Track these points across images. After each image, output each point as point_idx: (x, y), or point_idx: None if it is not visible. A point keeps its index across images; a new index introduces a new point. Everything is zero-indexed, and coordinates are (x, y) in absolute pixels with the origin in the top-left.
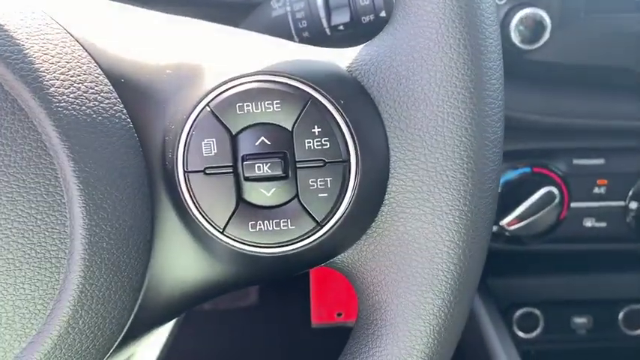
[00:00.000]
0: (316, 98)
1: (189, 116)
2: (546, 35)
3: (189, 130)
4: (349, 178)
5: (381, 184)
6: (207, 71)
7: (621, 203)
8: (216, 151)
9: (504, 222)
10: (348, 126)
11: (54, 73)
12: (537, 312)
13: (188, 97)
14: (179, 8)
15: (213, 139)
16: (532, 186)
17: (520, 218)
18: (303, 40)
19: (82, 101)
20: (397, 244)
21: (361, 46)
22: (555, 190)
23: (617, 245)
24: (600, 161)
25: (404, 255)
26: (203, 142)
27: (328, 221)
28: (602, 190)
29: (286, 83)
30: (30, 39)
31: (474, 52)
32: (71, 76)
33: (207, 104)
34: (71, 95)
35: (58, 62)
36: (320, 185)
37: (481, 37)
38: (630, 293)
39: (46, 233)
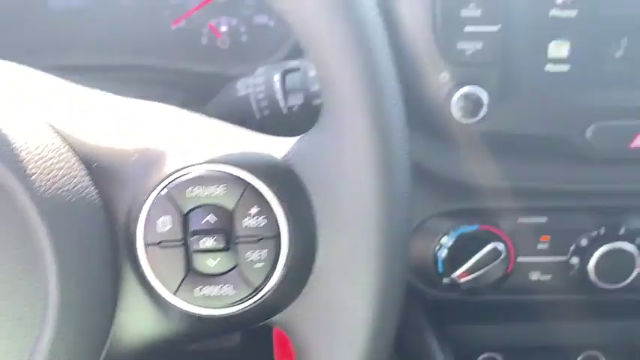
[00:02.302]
0: (253, 184)
1: (149, 197)
2: (484, 110)
3: (149, 209)
4: (281, 251)
5: (309, 256)
6: (167, 158)
7: (564, 258)
8: (170, 227)
9: (455, 274)
10: (281, 207)
11: (36, 162)
12: (499, 357)
13: (150, 180)
14: (160, 76)
15: (169, 217)
16: (480, 242)
17: (469, 272)
18: (264, 116)
19: (59, 185)
20: (323, 308)
21: (296, 138)
22: (501, 246)
23: (563, 296)
24: (543, 219)
25: (329, 317)
26: (159, 220)
27: (263, 287)
28: (546, 245)
29: (228, 172)
30: (17, 134)
31: (384, 153)
32: (50, 164)
33: (165, 187)
34: (50, 180)
35: (40, 153)
36: (256, 257)
37: (388, 141)
38: (586, 340)
39: (24, 297)
